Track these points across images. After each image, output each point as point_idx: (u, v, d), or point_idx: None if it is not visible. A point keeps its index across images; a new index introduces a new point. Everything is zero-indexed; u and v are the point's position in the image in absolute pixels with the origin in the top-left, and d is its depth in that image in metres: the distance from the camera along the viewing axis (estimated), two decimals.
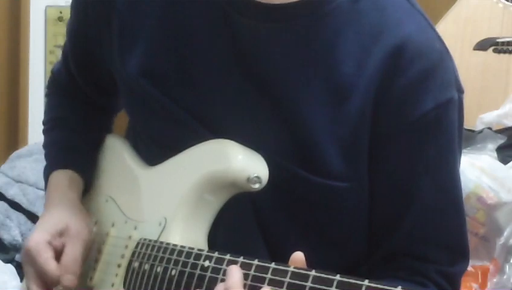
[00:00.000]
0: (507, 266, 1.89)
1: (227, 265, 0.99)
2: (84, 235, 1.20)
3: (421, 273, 1.13)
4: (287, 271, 0.93)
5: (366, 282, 0.86)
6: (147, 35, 1.17)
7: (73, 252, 1.17)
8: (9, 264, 2.02)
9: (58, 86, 1.40)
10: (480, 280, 1.91)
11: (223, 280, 0.98)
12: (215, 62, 1.13)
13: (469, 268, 1.87)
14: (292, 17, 1.10)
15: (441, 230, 1.14)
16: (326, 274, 0.89)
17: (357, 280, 0.87)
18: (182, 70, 1.15)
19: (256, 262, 0.96)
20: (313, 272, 0.90)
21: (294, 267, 0.92)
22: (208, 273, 1.02)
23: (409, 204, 1.12)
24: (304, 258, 0.94)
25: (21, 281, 1.60)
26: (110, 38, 1.21)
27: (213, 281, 1.00)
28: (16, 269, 2.00)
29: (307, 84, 1.10)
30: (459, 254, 1.17)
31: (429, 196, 1.12)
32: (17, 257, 2.06)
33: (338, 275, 0.88)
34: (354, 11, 1.10)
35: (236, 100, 1.13)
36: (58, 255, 1.18)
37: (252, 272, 0.96)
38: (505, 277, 1.88)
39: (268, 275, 0.94)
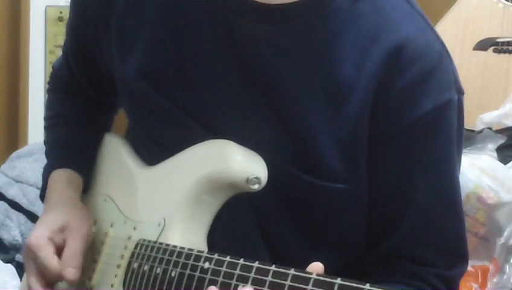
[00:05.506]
0: (507, 266, 1.89)
1: (227, 267, 0.99)
2: (85, 230, 1.20)
3: (419, 278, 1.13)
4: (287, 274, 0.92)
5: (367, 286, 0.85)
6: (146, 36, 1.17)
7: (73, 247, 1.17)
8: (9, 264, 2.02)
9: (60, 83, 1.40)
10: (480, 280, 1.91)
11: (222, 282, 0.98)
12: (214, 63, 1.13)
13: (469, 268, 1.87)
14: (291, 18, 1.10)
15: (439, 233, 1.14)
16: (327, 277, 0.88)
17: (358, 283, 0.86)
18: (181, 72, 1.15)
19: (256, 264, 0.96)
20: (314, 275, 0.89)
21: (294, 270, 0.92)
22: (208, 276, 1.01)
23: (406, 206, 1.11)
24: (322, 267, 0.92)
25: (21, 281, 1.60)
26: (109, 38, 1.21)
27: (213, 283, 0.99)
28: (16, 269, 2.00)
29: (306, 85, 1.09)
30: (457, 257, 1.16)
31: (427, 199, 1.11)
32: (17, 257, 2.06)
33: (339, 279, 0.87)
34: (353, 12, 1.10)
35: (236, 101, 1.13)
36: (59, 251, 1.18)
37: (252, 275, 0.95)
38: (505, 277, 1.88)
39: (269, 278, 0.93)
